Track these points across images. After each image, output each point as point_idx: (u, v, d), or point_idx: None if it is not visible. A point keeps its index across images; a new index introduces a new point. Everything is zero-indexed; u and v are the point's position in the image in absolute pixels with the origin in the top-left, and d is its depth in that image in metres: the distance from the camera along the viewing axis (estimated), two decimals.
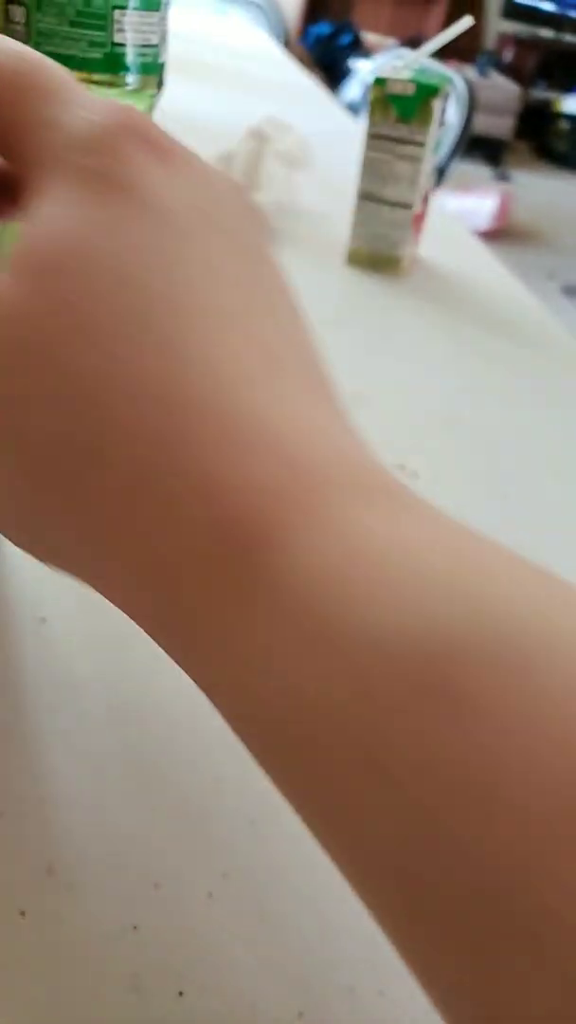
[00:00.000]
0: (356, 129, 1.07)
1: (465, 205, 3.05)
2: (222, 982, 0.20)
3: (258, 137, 0.68)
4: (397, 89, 0.54)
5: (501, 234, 3.08)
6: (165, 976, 0.20)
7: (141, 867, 0.22)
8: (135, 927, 0.21)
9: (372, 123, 0.55)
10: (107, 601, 0.16)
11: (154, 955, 0.20)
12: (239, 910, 0.21)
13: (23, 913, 0.20)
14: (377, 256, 0.61)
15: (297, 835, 0.24)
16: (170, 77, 0.42)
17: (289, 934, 0.21)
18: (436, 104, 0.54)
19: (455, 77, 3.26)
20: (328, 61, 4.03)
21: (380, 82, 0.54)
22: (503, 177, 4.05)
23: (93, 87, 0.39)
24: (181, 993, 0.19)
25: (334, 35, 4.27)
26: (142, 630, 0.15)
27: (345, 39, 4.23)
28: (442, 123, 0.58)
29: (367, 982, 0.20)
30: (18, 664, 0.27)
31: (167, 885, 0.22)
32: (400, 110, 0.54)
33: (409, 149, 0.55)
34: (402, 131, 0.55)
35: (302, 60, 1.73)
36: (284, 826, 0.24)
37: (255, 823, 0.23)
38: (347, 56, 4.11)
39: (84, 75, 0.38)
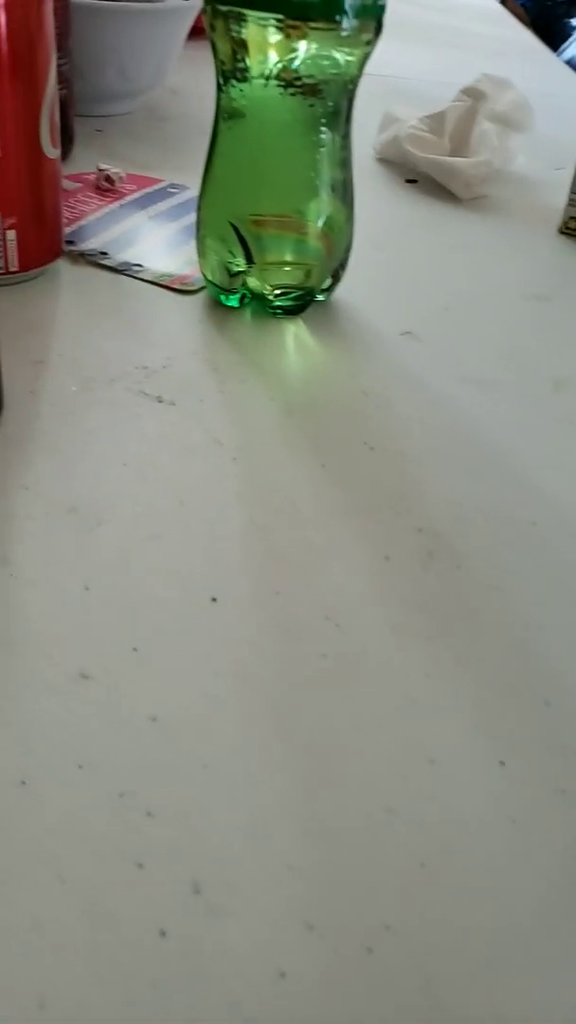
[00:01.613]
0: None
1: None
2: None
3: (473, 95, 0.63)
4: None
5: None
6: None
7: (294, 901, 0.19)
8: (283, 974, 0.18)
9: None
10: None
11: (302, 1014, 0.18)
12: (401, 972, 0.18)
13: (163, 933, 0.19)
14: None
15: (476, 887, 0.21)
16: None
17: (458, 1013, 0.18)
18: None
19: None
20: (545, 20, 3.78)
21: None
22: None
23: (310, 33, 0.36)
24: None
25: None
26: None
27: None
28: None
29: None
30: (189, 647, 0.25)
31: (321, 928, 0.19)
32: None
33: None
34: None
35: (518, 17, 1.62)
36: (461, 873, 0.20)
37: (427, 867, 0.20)
38: (564, 13, 3.83)
39: (298, 23, 0.35)
